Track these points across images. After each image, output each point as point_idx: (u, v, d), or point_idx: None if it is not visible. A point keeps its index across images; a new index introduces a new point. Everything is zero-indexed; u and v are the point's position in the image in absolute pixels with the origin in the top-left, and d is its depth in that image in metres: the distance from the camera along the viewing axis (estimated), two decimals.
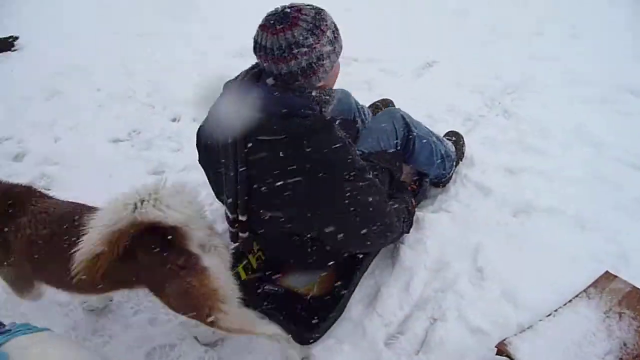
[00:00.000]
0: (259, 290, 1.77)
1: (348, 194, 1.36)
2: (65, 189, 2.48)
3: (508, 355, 1.41)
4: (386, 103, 2.62)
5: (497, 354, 1.45)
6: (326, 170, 1.32)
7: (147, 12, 4.40)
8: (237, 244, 1.64)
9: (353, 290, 1.77)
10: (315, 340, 1.63)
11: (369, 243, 1.55)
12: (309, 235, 1.52)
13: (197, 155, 1.67)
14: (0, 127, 2.92)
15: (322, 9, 1.34)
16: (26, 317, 1.84)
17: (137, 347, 1.74)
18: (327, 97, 1.39)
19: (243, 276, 1.83)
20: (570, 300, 1.65)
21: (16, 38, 3.94)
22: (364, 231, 1.47)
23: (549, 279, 1.77)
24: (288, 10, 1.29)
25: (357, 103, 2.25)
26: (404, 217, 1.75)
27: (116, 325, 1.83)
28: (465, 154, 2.39)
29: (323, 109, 1.40)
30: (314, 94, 1.35)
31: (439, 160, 2.07)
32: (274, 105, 1.31)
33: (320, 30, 1.29)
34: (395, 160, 1.89)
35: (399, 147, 1.94)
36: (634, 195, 2.14)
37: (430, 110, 2.78)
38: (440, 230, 1.98)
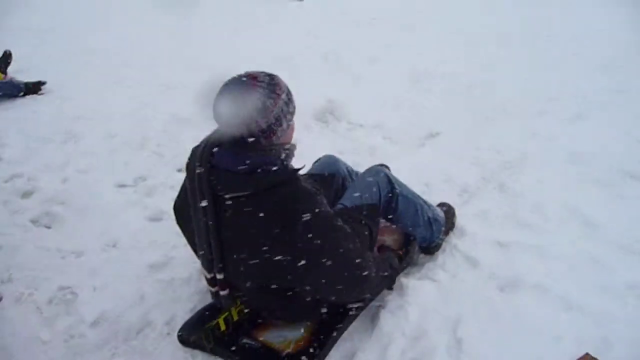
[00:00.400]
0: (237, 343, 1.77)
1: (318, 241, 1.39)
2: (65, 228, 2.57)
3: None
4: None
5: None
6: (294, 220, 1.36)
7: (176, 66, 4.66)
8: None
9: (327, 352, 1.75)
10: None
11: (340, 288, 1.55)
12: (287, 288, 1.54)
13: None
14: (15, 165, 3.06)
15: (275, 75, 1.45)
16: (6, 351, 1.87)
17: None
18: (287, 151, 1.47)
19: (222, 327, 1.83)
20: None
21: (44, 83, 4.19)
22: (337, 278, 1.50)
23: (529, 358, 1.73)
24: (244, 78, 1.40)
25: (349, 168, 2.33)
26: (386, 273, 1.79)
27: None
28: (456, 225, 2.41)
29: (285, 162, 1.46)
30: (273, 151, 1.43)
31: (426, 222, 2.11)
32: (238, 164, 1.38)
33: (275, 94, 1.39)
34: (373, 214, 1.92)
35: (380, 203, 1.99)
36: (625, 279, 2.11)
37: (428, 180, 2.84)
38: (423, 298, 1.97)
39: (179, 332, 1.88)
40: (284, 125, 1.43)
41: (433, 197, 2.49)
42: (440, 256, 2.26)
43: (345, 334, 1.86)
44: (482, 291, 2.05)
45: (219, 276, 1.55)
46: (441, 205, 2.44)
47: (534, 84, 4.23)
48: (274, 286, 1.53)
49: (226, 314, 1.84)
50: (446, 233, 2.31)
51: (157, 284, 2.16)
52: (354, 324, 1.89)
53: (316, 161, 2.35)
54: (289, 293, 1.56)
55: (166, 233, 2.48)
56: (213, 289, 1.64)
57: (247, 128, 1.37)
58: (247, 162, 1.37)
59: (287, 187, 1.38)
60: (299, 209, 1.37)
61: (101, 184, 2.93)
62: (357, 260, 1.53)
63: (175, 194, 1.87)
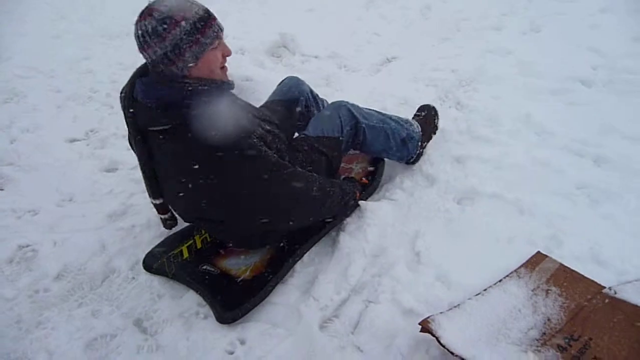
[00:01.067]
0: (197, 269, 1.83)
1: (247, 176, 1.43)
2: (18, 189, 2.50)
3: (430, 332, 1.44)
4: None
5: (420, 331, 1.48)
6: (208, 156, 1.40)
7: (114, 13, 4.42)
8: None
9: (282, 276, 1.80)
10: (233, 321, 1.67)
11: (269, 214, 1.60)
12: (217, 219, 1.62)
13: None
14: None
15: (186, 3, 1.38)
16: None
17: (78, 338, 1.75)
18: (206, 87, 1.43)
19: (185, 255, 1.91)
20: (500, 280, 1.69)
21: None
22: (260, 204, 1.54)
23: (483, 262, 1.80)
24: (150, 3, 1.37)
25: (314, 93, 2.33)
26: (342, 200, 1.86)
27: (60, 317, 1.84)
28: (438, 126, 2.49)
29: (205, 98, 1.43)
30: (188, 85, 1.40)
31: (399, 143, 2.17)
32: (149, 97, 1.43)
33: (173, 20, 1.33)
34: (333, 148, 1.94)
35: (342, 137, 1.99)
36: (574, 181, 2.19)
37: (385, 104, 2.83)
38: (381, 217, 2.01)
39: (143, 259, 1.95)
40: (187, 55, 1.38)
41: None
42: (399, 176, 2.29)
43: (307, 258, 1.90)
44: (439, 206, 2.10)
45: (156, 201, 1.67)
46: (421, 109, 2.50)
47: (487, 1, 4.16)
48: (206, 216, 1.62)
49: (190, 242, 1.93)
50: (427, 139, 2.39)
51: (118, 232, 2.14)
52: (314, 249, 1.94)
53: (280, 83, 2.33)
54: (222, 223, 1.64)
55: (122, 182, 2.45)
56: (158, 215, 1.74)
57: (146, 53, 1.38)
58: (156, 96, 1.41)
59: (200, 122, 1.38)
60: (214, 146, 1.37)
61: (51, 140, 2.83)
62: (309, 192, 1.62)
63: (127, 143, 1.86)
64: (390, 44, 3.67)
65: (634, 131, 2.45)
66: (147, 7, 1.36)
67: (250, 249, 1.87)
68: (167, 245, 1.96)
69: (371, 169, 2.31)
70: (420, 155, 2.34)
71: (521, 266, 1.74)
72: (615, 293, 1.59)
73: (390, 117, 2.19)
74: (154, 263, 1.90)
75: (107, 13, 4.61)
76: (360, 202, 2.04)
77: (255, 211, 1.54)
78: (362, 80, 3.19)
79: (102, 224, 2.22)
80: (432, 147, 2.46)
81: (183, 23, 1.34)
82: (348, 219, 2.00)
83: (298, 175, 1.60)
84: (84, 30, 4.27)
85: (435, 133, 2.46)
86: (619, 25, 3.46)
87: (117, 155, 2.62)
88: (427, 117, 2.42)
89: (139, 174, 2.26)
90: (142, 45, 1.37)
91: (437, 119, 2.47)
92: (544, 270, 1.70)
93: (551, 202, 2.07)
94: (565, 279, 1.66)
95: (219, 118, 1.40)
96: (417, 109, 2.53)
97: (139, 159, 1.58)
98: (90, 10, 4.70)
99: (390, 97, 2.92)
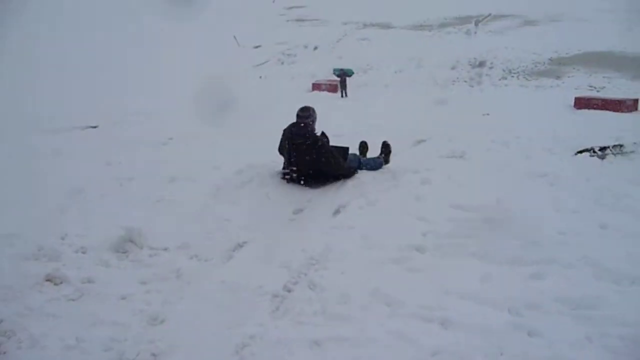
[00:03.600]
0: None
1: (329, 156, 4.48)
2: None
3: None
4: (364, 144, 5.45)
5: None
6: (323, 150, 4.47)
7: None
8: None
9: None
10: None
11: (337, 171, 4.59)
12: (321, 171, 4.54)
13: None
14: None
15: (311, 107, 4.64)
16: None
17: None
18: (316, 129, 4.64)
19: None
20: None
21: None
22: (334, 168, 4.55)
23: None
24: (305, 107, 4.59)
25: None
26: (351, 169, 4.72)
27: None
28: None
29: (315, 131, 4.60)
30: (315, 129, 4.59)
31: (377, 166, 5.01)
32: (303, 130, 4.48)
33: (314, 112, 4.58)
34: (345, 154, 4.80)
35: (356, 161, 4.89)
36: (429, 349, 2.27)
37: (237, 289, 2.80)
38: None
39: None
40: (315, 122, 4.58)
41: (241, 310, 2.42)
42: None
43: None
44: None
45: (294, 168, 4.49)
46: (383, 148, 5.20)
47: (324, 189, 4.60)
48: (317, 170, 4.50)
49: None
50: (386, 161, 5.10)
51: None
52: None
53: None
54: (322, 172, 4.53)
55: None
56: (289, 173, 4.56)
57: (307, 119, 4.50)
58: (307, 130, 4.49)
59: (319, 138, 4.53)
60: (320, 144, 4.47)
61: None
62: (339, 162, 4.58)
63: None
64: (240, 227, 3.75)
65: (467, 291, 2.70)
66: (306, 108, 4.60)
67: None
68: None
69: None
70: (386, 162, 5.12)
71: None
72: None
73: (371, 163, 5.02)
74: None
75: None
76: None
77: (331, 169, 4.55)
78: (214, 268, 3.13)
79: None
80: (290, 331, 2.41)
81: (314, 115, 4.60)
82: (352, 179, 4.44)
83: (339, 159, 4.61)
84: None
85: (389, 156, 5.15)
86: (438, 195, 4.03)
87: None
88: (386, 150, 5.15)
89: None
90: (305, 117, 4.51)
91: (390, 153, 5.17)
92: None
93: None
94: None
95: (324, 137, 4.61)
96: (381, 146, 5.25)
97: (289, 153, 4.54)
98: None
99: (245, 280, 2.90)
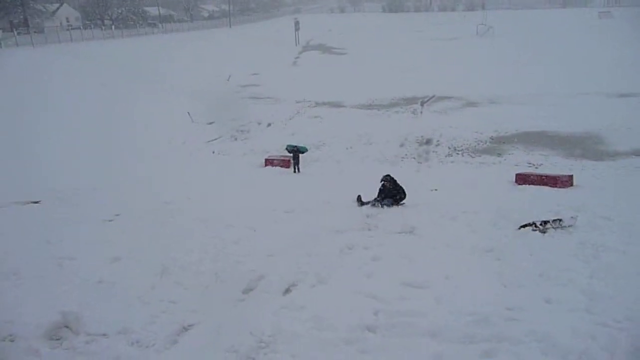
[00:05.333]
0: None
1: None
2: None
3: None
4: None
5: None
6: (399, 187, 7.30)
7: None
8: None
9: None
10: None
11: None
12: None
13: None
14: None
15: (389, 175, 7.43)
16: None
17: None
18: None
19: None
20: None
21: None
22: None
23: None
24: (387, 175, 7.30)
25: None
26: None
27: None
28: None
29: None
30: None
31: None
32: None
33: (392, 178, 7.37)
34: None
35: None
36: None
37: None
38: None
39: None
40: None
41: None
42: None
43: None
44: None
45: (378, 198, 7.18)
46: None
47: (284, 262, 4.52)
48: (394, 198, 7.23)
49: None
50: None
51: None
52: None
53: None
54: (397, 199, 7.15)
55: None
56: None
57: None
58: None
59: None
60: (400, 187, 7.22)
61: None
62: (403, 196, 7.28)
63: None
64: (187, 310, 3.59)
65: None
66: (388, 175, 7.39)
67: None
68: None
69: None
70: None
71: None
72: None
73: None
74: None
75: None
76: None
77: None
78: (154, 359, 2.94)
79: None
80: None
81: (389, 176, 7.59)
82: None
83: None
84: None
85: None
86: (389, 272, 4.03)
87: None
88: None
89: None
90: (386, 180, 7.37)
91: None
92: None
93: None
94: None
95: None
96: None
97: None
98: None
99: None
